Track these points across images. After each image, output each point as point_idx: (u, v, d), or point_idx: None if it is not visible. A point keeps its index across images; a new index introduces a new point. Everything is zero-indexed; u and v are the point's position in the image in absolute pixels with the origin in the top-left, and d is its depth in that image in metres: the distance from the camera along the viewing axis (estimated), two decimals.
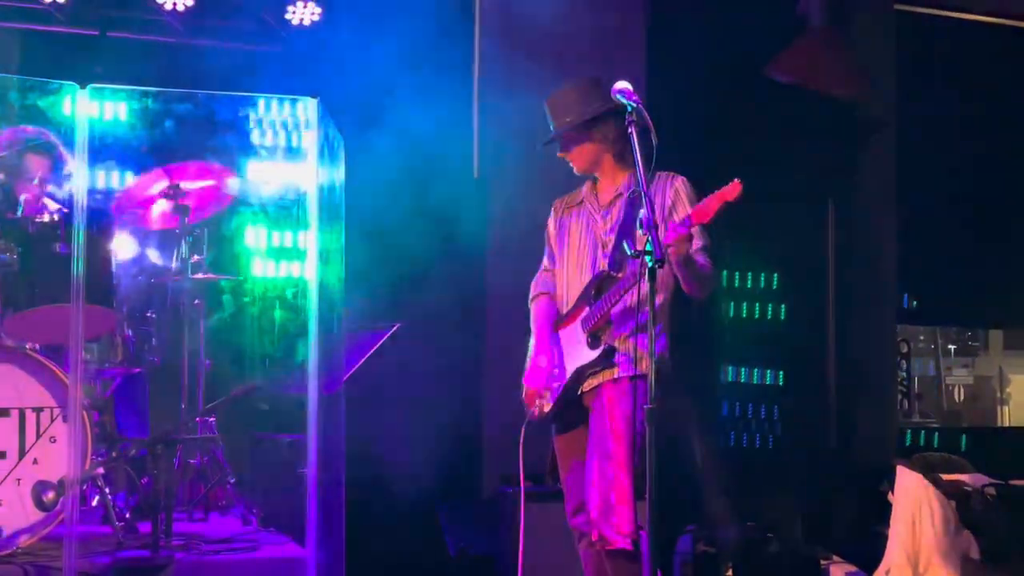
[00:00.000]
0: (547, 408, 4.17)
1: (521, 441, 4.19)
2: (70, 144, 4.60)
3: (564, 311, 4.25)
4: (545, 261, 4.43)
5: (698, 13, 6.44)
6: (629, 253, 3.75)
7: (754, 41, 6.41)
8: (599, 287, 4.03)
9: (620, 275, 3.92)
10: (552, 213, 4.41)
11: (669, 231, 3.75)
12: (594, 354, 4.01)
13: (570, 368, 4.10)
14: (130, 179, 5.52)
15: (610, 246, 4.06)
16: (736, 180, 3.65)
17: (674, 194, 4.09)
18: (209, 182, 5.28)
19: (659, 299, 3.89)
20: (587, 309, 4.06)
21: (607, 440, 3.94)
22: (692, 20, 6.45)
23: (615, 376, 3.99)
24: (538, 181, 4.93)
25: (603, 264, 4.07)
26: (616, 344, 3.99)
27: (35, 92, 4.86)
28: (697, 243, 3.85)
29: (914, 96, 6.99)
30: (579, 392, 4.08)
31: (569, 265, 4.28)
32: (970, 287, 7.21)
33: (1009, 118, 7.20)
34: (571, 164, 4.21)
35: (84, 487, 4.49)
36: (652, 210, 3.57)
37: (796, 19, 6.52)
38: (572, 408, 4.12)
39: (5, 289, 4.59)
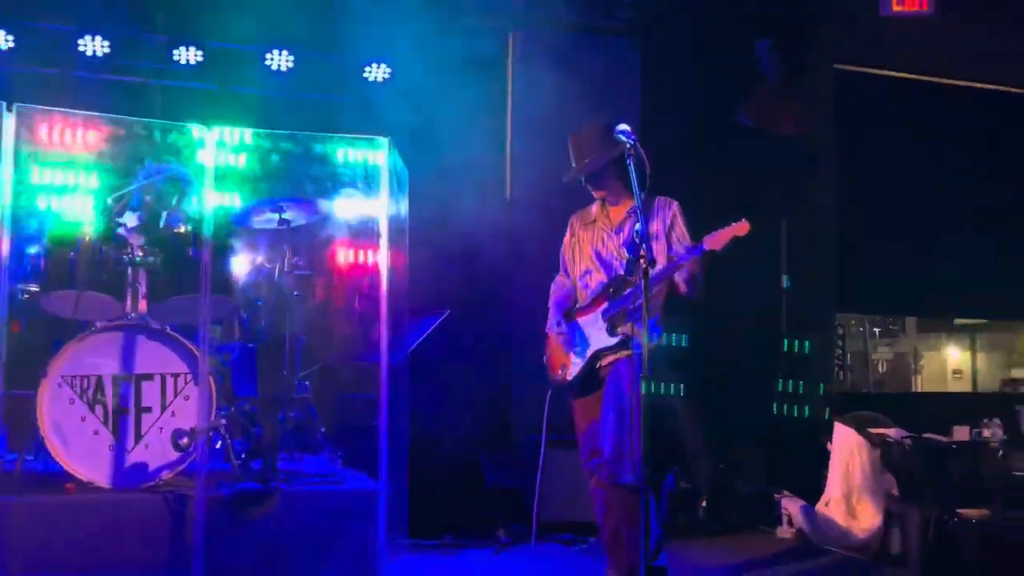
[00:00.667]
0: (569, 375, 4.26)
1: (547, 400, 4.34)
2: (200, 173, 4.68)
3: (582, 303, 4.33)
4: (561, 269, 4.52)
5: (681, 69, 6.47)
6: (628, 257, 3.89)
7: (726, 92, 6.44)
8: (616, 288, 4.13)
9: (634, 279, 3.96)
10: (568, 228, 4.49)
11: (685, 254, 3.99)
12: (613, 340, 4.10)
13: (592, 347, 4.17)
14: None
15: (625, 257, 4.15)
16: (745, 220, 3.84)
17: (671, 216, 4.20)
18: None
19: (658, 300, 4.14)
20: (606, 303, 4.15)
21: (622, 401, 4.05)
22: (676, 74, 6.47)
23: (629, 354, 4.05)
24: (555, 201, 4.94)
25: (619, 271, 4.17)
26: (629, 331, 4.05)
27: (173, 133, 4.89)
28: (701, 264, 4.03)
29: (853, 134, 6.99)
30: (598, 366, 4.18)
31: (582, 269, 4.37)
32: (893, 283, 7.18)
33: (925, 148, 7.20)
34: (591, 190, 4.30)
35: (210, 434, 4.45)
36: (646, 224, 3.74)
37: (757, 76, 6.60)
38: (590, 377, 4.21)
39: (151, 283, 4.63)
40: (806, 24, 6.82)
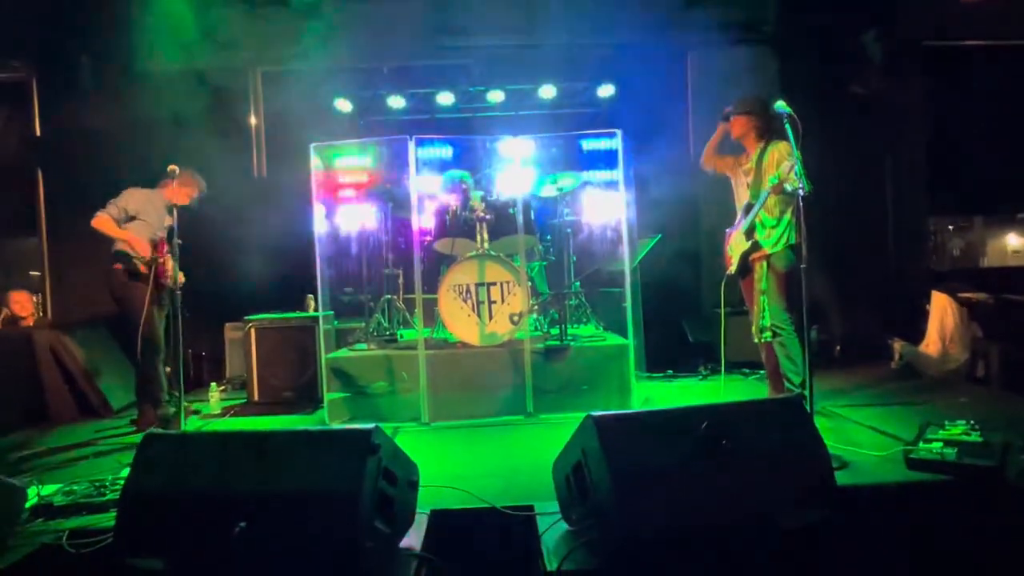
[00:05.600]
0: (731, 268, 3.91)
1: (723, 283, 3.96)
2: (510, 163, 4.81)
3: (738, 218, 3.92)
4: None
5: (810, 59, 5.78)
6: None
7: (842, 72, 5.75)
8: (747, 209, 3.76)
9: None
10: (737, 159, 3.98)
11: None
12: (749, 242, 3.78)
13: (743, 249, 3.79)
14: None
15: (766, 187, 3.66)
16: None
17: (779, 155, 3.63)
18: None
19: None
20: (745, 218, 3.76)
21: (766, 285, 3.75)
22: (806, 63, 5.79)
23: (768, 253, 3.73)
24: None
25: (751, 200, 3.75)
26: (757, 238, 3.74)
27: (492, 142, 5.08)
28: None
29: (934, 90, 6.08)
30: (750, 259, 3.81)
31: (737, 195, 3.94)
32: (969, 194, 6.28)
33: (991, 95, 6.11)
34: (732, 133, 3.80)
35: (526, 315, 4.45)
36: (760, 163, 3.61)
37: (864, 58, 5.81)
38: (746, 268, 3.82)
39: (489, 230, 4.67)
40: (899, 16, 5.89)
